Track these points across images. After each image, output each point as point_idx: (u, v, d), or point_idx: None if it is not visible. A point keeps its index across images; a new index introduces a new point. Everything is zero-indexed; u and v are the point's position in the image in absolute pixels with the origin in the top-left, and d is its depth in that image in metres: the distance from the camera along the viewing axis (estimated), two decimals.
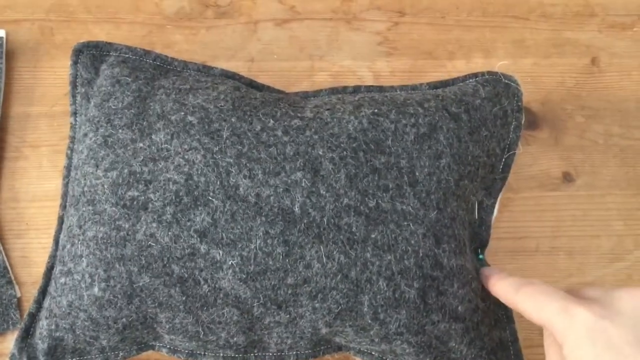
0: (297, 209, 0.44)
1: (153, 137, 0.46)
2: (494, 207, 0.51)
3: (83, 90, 0.52)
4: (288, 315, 0.44)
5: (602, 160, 0.60)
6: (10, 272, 0.53)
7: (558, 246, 0.57)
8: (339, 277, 0.43)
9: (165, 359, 0.52)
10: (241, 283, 0.43)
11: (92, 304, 0.44)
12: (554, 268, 0.56)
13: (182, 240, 0.43)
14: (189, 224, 0.43)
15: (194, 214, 0.43)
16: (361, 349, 0.48)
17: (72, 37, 0.62)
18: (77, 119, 0.52)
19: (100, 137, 0.47)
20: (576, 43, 0.64)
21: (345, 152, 0.45)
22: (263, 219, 0.43)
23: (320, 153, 0.45)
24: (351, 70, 0.62)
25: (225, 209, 0.43)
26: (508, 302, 0.43)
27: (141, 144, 0.45)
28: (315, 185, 0.44)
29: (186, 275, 0.43)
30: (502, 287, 0.44)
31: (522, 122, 0.51)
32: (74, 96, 0.53)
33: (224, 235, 0.43)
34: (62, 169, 0.56)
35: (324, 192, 0.44)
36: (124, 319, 0.44)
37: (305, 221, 0.43)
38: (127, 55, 0.52)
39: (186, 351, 0.47)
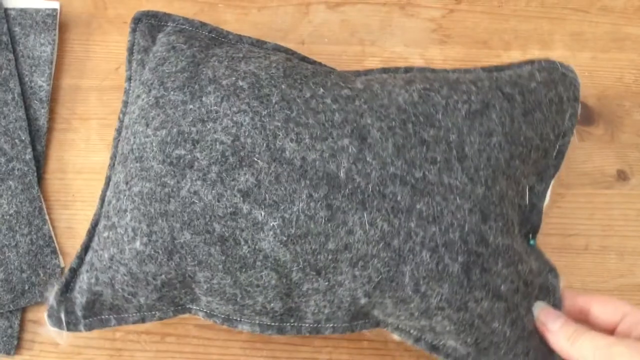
0: (342, 174, 0.43)
1: (203, 99, 0.46)
2: (545, 193, 0.50)
3: (139, 57, 0.53)
4: (327, 282, 0.44)
5: None
6: (55, 241, 0.54)
7: (609, 246, 0.55)
8: (381, 245, 0.42)
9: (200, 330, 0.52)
10: (281, 245, 0.43)
11: (133, 258, 0.44)
12: (603, 268, 0.54)
13: (225, 199, 0.43)
14: (232, 183, 0.43)
15: (239, 173, 0.43)
16: (399, 326, 0.47)
17: (125, 12, 0.62)
18: (132, 84, 0.53)
19: (152, 98, 0.47)
20: (637, 38, 0.62)
21: (393, 123, 0.45)
22: (307, 182, 0.43)
23: (369, 122, 0.45)
24: (402, 56, 0.61)
25: (270, 171, 0.43)
26: (565, 357, 0.44)
27: (191, 106, 0.46)
28: (362, 152, 0.44)
29: (227, 235, 0.43)
30: (558, 342, 0.44)
31: (579, 111, 0.50)
32: (129, 62, 0.54)
33: (267, 196, 0.43)
34: (111, 142, 0.57)
35: (370, 160, 0.43)
36: (163, 276, 0.45)
37: (349, 187, 0.43)
38: (183, 26, 0.53)
39: (222, 316, 0.47)
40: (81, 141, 0.57)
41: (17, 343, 0.51)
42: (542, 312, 0.45)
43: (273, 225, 0.43)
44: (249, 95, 0.45)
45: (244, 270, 0.44)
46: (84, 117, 0.58)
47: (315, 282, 0.44)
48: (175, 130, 0.45)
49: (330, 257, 0.43)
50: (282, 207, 0.43)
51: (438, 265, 0.42)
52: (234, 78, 0.46)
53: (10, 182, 0.54)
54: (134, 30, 0.54)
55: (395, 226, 0.42)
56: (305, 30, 0.62)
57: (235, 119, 0.45)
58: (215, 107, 0.45)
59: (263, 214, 0.43)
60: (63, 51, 0.60)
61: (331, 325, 0.47)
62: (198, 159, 0.44)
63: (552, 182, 0.50)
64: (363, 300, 0.44)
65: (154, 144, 0.45)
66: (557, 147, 0.50)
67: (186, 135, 0.45)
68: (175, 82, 0.47)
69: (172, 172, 0.44)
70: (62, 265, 0.53)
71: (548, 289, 0.46)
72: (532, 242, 0.49)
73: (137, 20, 0.54)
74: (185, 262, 0.44)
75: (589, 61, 0.61)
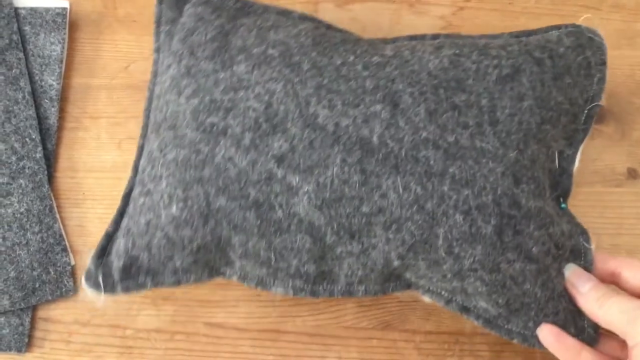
0: (375, 139, 0.44)
1: (234, 68, 0.47)
2: (575, 157, 0.50)
3: (167, 28, 0.54)
4: (360, 245, 0.44)
5: None
6: (66, 239, 0.54)
7: (619, 244, 0.55)
8: (415, 208, 0.43)
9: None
10: (316, 209, 0.44)
11: (170, 223, 0.45)
12: None
13: (259, 165, 0.44)
14: (266, 149, 0.44)
15: (272, 140, 0.44)
16: (430, 288, 0.47)
17: (134, 11, 0.62)
18: (160, 55, 0.53)
19: (184, 68, 0.48)
20: None
21: (425, 88, 0.45)
22: (341, 147, 0.44)
23: (400, 87, 0.45)
24: None
25: (304, 137, 0.44)
26: (593, 319, 0.44)
27: (222, 74, 0.47)
28: (394, 117, 0.44)
29: (262, 199, 0.44)
30: (586, 304, 0.44)
31: (606, 75, 0.50)
32: (157, 34, 0.54)
33: (301, 161, 0.44)
34: (121, 140, 0.57)
35: (402, 125, 0.44)
36: (199, 240, 0.45)
37: (383, 151, 0.44)
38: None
39: (256, 279, 0.48)
40: (91, 140, 0.58)
41: (27, 341, 0.52)
42: (572, 274, 0.45)
43: (307, 190, 0.44)
44: (280, 63, 0.46)
45: (278, 234, 0.45)
46: (94, 115, 0.58)
47: (349, 245, 0.45)
48: (207, 98, 0.46)
49: (364, 220, 0.44)
50: (316, 172, 0.44)
51: (471, 228, 0.43)
52: (264, 47, 0.47)
53: (21, 181, 0.55)
54: (160, 3, 0.55)
55: (429, 189, 0.43)
56: None
57: (267, 86, 0.45)
58: (246, 76, 0.46)
59: (297, 178, 0.44)
60: (73, 50, 0.60)
61: (363, 287, 0.47)
62: (231, 125, 0.45)
63: (582, 147, 0.51)
64: (396, 263, 0.45)
65: (187, 112, 0.46)
66: (586, 111, 0.50)
67: (219, 103, 0.46)
68: (206, 51, 0.48)
69: (206, 139, 0.45)
70: (73, 263, 0.54)
71: (580, 251, 0.46)
72: (563, 205, 0.49)
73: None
74: (221, 226, 0.45)
75: None
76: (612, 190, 0.56)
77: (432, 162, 0.44)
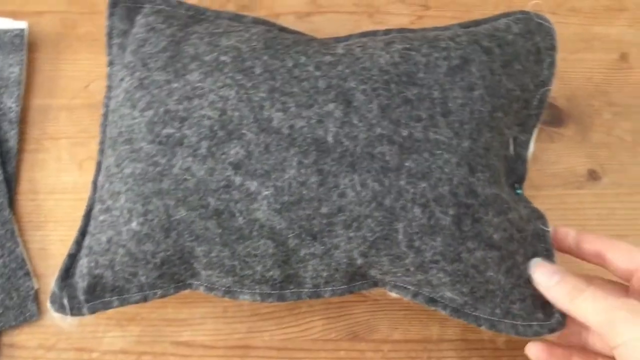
0: (330, 138, 0.44)
1: (187, 77, 0.46)
2: (529, 142, 0.51)
3: (119, 40, 0.54)
4: (323, 246, 0.45)
5: (630, 158, 0.58)
6: (29, 263, 0.54)
7: None
8: (373, 205, 0.43)
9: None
10: (276, 214, 0.44)
11: (131, 238, 0.45)
12: (579, 268, 0.54)
13: (217, 173, 0.44)
14: (223, 157, 0.44)
15: (229, 147, 0.44)
16: (397, 284, 0.47)
17: (94, 30, 0.62)
18: (114, 68, 0.53)
19: (136, 80, 0.48)
20: (605, 38, 0.62)
21: (377, 84, 0.45)
22: (297, 149, 0.44)
23: (353, 85, 0.45)
24: None
25: (259, 141, 0.44)
26: (565, 312, 0.43)
27: (176, 84, 0.46)
28: (348, 115, 0.45)
29: (222, 208, 0.44)
30: (556, 298, 0.43)
31: (556, 60, 0.51)
32: (110, 47, 0.54)
33: (258, 166, 0.44)
34: (82, 161, 0.57)
35: (356, 122, 0.44)
36: (161, 253, 0.45)
37: (338, 150, 0.44)
38: (161, 6, 0.54)
39: (223, 288, 0.48)
40: (52, 161, 0.57)
41: None
42: (537, 269, 0.45)
43: (266, 195, 0.44)
44: (232, 69, 0.46)
45: (241, 241, 0.44)
46: (55, 136, 0.58)
47: (312, 247, 0.45)
48: (162, 109, 0.46)
49: (324, 221, 0.44)
50: (273, 176, 0.44)
51: (430, 220, 0.43)
52: (216, 53, 0.47)
53: None
54: (111, 15, 0.54)
55: (386, 185, 0.43)
56: None
57: (220, 93, 0.45)
58: (200, 84, 0.46)
59: (255, 184, 0.44)
60: (32, 71, 0.60)
61: (330, 288, 0.47)
62: (187, 135, 0.45)
63: (535, 132, 0.51)
64: (360, 261, 0.45)
65: (142, 125, 0.46)
66: (538, 96, 0.51)
67: (173, 113, 0.45)
68: (158, 62, 0.48)
69: (163, 151, 0.45)
70: (36, 286, 0.53)
71: (539, 235, 0.46)
72: (518, 191, 0.50)
73: (114, 4, 0.55)
74: (183, 238, 0.45)
75: (559, 62, 0.60)
76: (573, 193, 0.57)
77: (387, 157, 0.44)
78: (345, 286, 0.47)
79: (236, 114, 0.45)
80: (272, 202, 0.44)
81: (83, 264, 0.47)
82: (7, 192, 0.55)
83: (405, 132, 0.44)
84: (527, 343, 0.46)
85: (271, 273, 0.46)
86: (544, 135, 0.58)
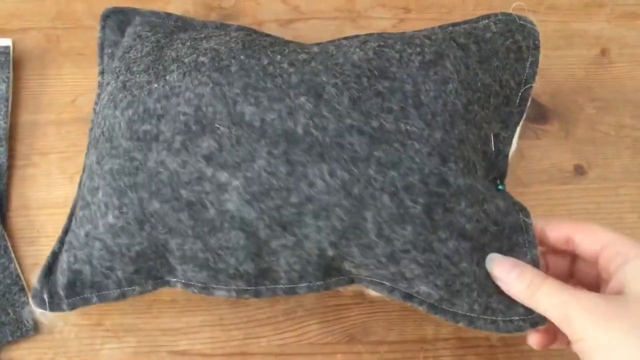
0: (299, 129, 0.44)
1: (167, 77, 0.47)
2: (511, 140, 0.51)
3: (110, 50, 0.56)
4: (294, 237, 0.45)
5: (614, 152, 0.59)
6: (23, 279, 0.54)
7: None
8: (342, 193, 0.43)
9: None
10: (245, 204, 0.44)
11: (107, 231, 0.46)
12: None
13: (189, 165, 0.45)
14: (196, 149, 0.45)
15: (201, 140, 0.45)
16: (373, 279, 0.47)
17: (79, 44, 0.62)
18: (104, 76, 0.55)
19: (120, 83, 0.49)
20: (585, 34, 0.63)
21: (348, 78, 0.46)
22: (267, 140, 0.44)
23: (324, 79, 0.46)
24: None
25: (231, 134, 0.44)
26: (528, 306, 0.43)
27: (155, 85, 0.47)
28: (318, 107, 0.45)
29: (194, 199, 0.44)
30: (517, 294, 0.43)
31: (539, 59, 0.51)
32: (101, 57, 0.56)
33: (228, 158, 0.44)
34: (72, 175, 0.57)
35: (326, 114, 0.44)
36: (136, 247, 0.46)
37: (308, 140, 0.44)
38: (150, 18, 0.55)
39: (199, 284, 0.48)
40: (42, 176, 0.57)
41: None
42: (495, 264, 0.44)
43: (236, 185, 0.44)
44: (209, 68, 0.47)
45: (212, 233, 0.45)
46: (44, 151, 0.58)
47: (283, 238, 0.45)
48: (141, 108, 0.47)
49: (293, 210, 0.44)
50: (243, 167, 0.44)
51: (399, 208, 0.43)
52: (195, 55, 0.48)
53: None
54: (103, 27, 0.56)
55: (355, 174, 0.43)
56: None
57: (197, 91, 0.46)
58: (178, 83, 0.47)
59: (226, 175, 0.44)
60: (18, 87, 0.60)
61: (305, 284, 0.48)
62: (163, 131, 0.45)
63: (518, 129, 0.51)
64: (330, 252, 0.45)
65: (122, 123, 0.47)
66: (520, 94, 0.51)
67: (152, 111, 0.46)
68: (141, 65, 0.49)
69: (140, 147, 0.46)
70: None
71: (520, 227, 0.46)
72: (500, 187, 0.49)
73: (106, 17, 0.57)
74: (157, 230, 0.46)
75: (541, 60, 0.62)
76: (560, 188, 0.58)
77: (357, 147, 0.44)
78: (321, 282, 0.48)
79: (210, 109, 0.45)
80: (242, 192, 0.44)
81: (63, 259, 0.48)
82: None
83: (375, 123, 0.44)
84: (521, 339, 0.46)
85: (244, 267, 0.46)
86: (529, 132, 0.59)
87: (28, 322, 0.52)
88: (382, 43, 0.48)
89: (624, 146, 0.59)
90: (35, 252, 0.55)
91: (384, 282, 0.47)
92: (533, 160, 0.58)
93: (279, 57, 0.48)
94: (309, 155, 0.44)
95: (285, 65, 0.47)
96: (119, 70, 0.50)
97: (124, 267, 0.47)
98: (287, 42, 0.51)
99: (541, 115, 0.60)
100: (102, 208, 0.46)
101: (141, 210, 0.45)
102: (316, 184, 0.44)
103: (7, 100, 0.58)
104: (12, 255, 0.54)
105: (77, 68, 0.61)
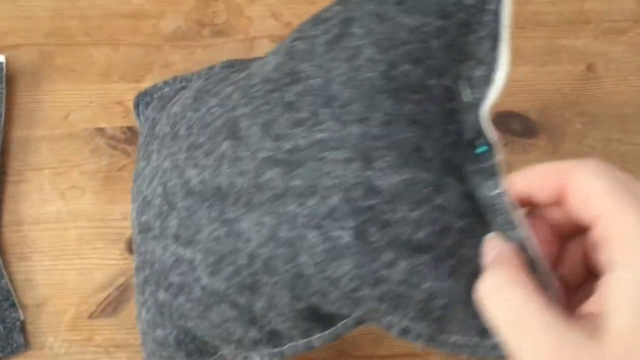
0: (225, 182, 0.39)
1: (151, 158, 0.46)
2: (491, 74, 0.35)
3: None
4: (264, 297, 0.39)
5: None
6: (14, 295, 0.54)
7: None
8: (273, 243, 0.36)
9: None
10: (211, 277, 0.40)
11: (148, 327, 0.46)
12: None
13: (168, 250, 0.42)
14: (168, 231, 0.42)
15: (170, 220, 0.42)
16: (371, 319, 0.39)
17: (72, 60, 0.63)
18: None
19: (134, 175, 0.49)
20: (572, 50, 0.64)
21: (259, 101, 0.39)
22: (207, 203, 0.40)
23: (239, 112, 0.40)
24: None
25: (186, 206, 0.41)
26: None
27: (146, 170, 0.46)
28: (236, 150, 0.39)
29: (181, 282, 0.42)
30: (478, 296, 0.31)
31: None
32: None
33: (187, 233, 0.41)
34: (64, 190, 0.57)
35: (242, 154, 0.38)
36: (170, 336, 0.45)
37: (233, 192, 0.38)
38: (162, 90, 0.55)
39: (238, 355, 0.44)
40: (34, 192, 0.58)
41: None
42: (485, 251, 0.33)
43: (200, 260, 0.40)
44: (169, 139, 0.45)
45: (208, 310, 0.42)
46: (37, 167, 0.58)
47: (258, 301, 0.39)
48: (141, 198, 0.46)
49: (247, 272, 0.38)
50: (196, 239, 0.40)
51: (328, 243, 0.35)
52: (167, 127, 0.47)
53: None
54: (137, 115, 0.56)
55: (279, 216, 0.36)
56: None
57: (163, 166, 0.44)
58: (155, 163, 0.45)
59: (189, 252, 0.41)
60: (11, 103, 0.61)
61: (316, 336, 0.41)
62: (150, 220, 0.44)
63: (503, 55, 0.35)
64: (301, 304, 0.38)
65: (133, 218, 0.47)
66: (487, 7, 0.36)
67: (147, 200, 0.45)
68: (140, 152, 0.49)
69: (141, 239, 0.45)
70: (22, 318, 0.53)
71: (492, 207, 0.33)
72: (480, 149, 0.35)
73: (136, 105, 0.56)
74: (173, 318, 0.44)
75: (528, 75, 0.63)
76: None
77: (274, 182, 0.36)
78: (327, 332, 0.41)
79: (170, 184, 0.42)
80: (205, 266, 0.40)
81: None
82: None
83: (287, 145, 0.36)
84: None
85: (252, 334, 0.42)
86: (517, 146, 0.60)
87: (19, 338, 0.52)
88: (295, 35, 0.40)
89: (612, 160, 0.60)
90: (27, 268, 0.55)
91: (380, 320, 0.39)
92: None
93: (212, 100, 0.43)
94: (237, 209, 0.38)
95: (216, 109, 0.42)
96: (137, 161, 0.50)
97: (176, 354, 0.45)
98: (229, 75, 0.45)
99: (529, 130, 0.61)
100: (137, 305, 0.47)
101: (155, 301, 0.44)
102: (252, 239, 0.37)
103: (0, 116, 0.59)
104: (4, 271, 0.54)
105: (70, 84, 0.62)
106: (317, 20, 0.39)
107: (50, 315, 0.53)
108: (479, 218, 0.34)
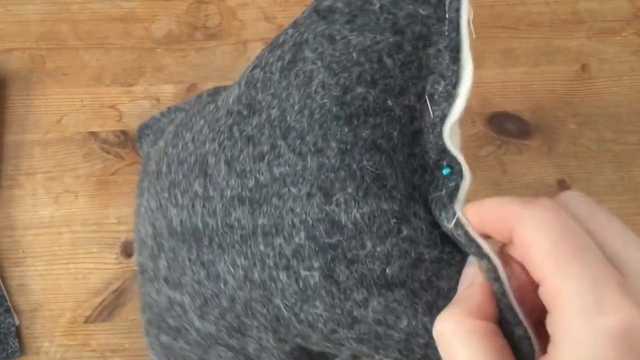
0: (200, 223, 0.37)
1: (144, 196, 0.45)
2: (453, 88, 0.32)
3: None
4: (253, 339, 0.38)
5: (597, 166, 0.60)
6: (8, 300, 0.53)
7: None
8: (248, 285, 0.35)
9: None
10: (202, 319, 0.39)
11: None
12: None
13: (162, 293, 0.41)
14: (158, 273, 0.41)
15: (159, 261, 0.40)
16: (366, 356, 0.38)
17: (64, 64, 0.62)
18: None
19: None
20: (565, 50, 0.64)
21: (222, 136, 0.37)
22: (186, 246, 0.38)
23: (206, 149, 0.38)
24: None
25: (171, 247, 0.39)
26: None
27: (141, 209, 0.45)
28: (206, 189, 0.37)
29: (177, 325, 0.41)
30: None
31: None
32: None
33: (174, 275, 0.39)
34: (58, 195, 0.57)
35: (212, 194, 0.36)
36: None
37: (207, 233, 0.37)
38: (159, 122, 0.54)
39: None
40: (28, 196, 0.57)
41: None
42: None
43: (188, 303, 0.39)
44: (155, 176, 0.43)
45: (206, 352, 0.41)
46: (29, 172, 0.58)
47: (249, 344, 0.39)
48: (139, 237, 0.45)
49: (232, 314, 0.37)
50: (183, 282, 0.39)
51: (298, 284, 0.33)
52: (152, 161, 0.46)
53: None
54: (140, 147, 0.55)
55: (250, 257, 0.34)
56: (244, 67, 0.62)
57: (151, 205, 0.42)
58: (146, 202, 0.44)
59: (178, 295, 0.39)
60: (3, 108, 0.60)
61: None
62: (146, 261, 0.43)
63: (468, 69, 0.32)
64: (287, 347, 0.38)
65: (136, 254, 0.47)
66: (447, 15, 0.33)
67: (142, 239, 0.44)
68: (137, 189, 0.48)
69: (141, 280, 0.45)
70: (17, 323, 0.53)
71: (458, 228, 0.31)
72: (445, 170, 0.32)
73: (139, 138, 0.55)
74: (177, 359, 0.43)
75: (522, 76, 0.63)
76: None
77: (242, 222, 0.35)
78: None
79: (157, 224, 0.41)
80: (193, 309, 0.38)
81: None
82: None
83: (251, 182, 0.34)
84: None
85: None
86: (512, 147, 0.60)
87: (14, 343, 0.52)
88: (255, 62, 0.37)
89: (606, 160, 0.60)
90: (21, 273, 0.55)
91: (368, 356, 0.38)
92: (516, 176, 0.59)
93: (188, 135, 0.41)
94: (213, 251, 0.36)
95: (190, 145, 0.40)
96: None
97: None
98: (206, 105, 0.43)
99: (524, 130, 0.61)
100: (146, 344, 0.46)
101: (160, 344, 0.43)
102: (228, 281, 0.36)
103: None
104: None
105: (62, 88, 0.61)
106: (273, 45, 0.37)
107: (46, 320, 0.53)
108: (453, 246, 0.32)
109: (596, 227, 0.27)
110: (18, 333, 0.53)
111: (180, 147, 0.41)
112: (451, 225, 0.30)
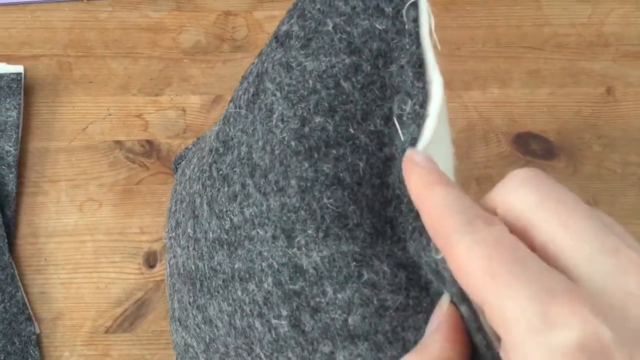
0: (192, 266, 0.36)
1: (169, 234, 0.45)
2: (421, 107, 0.28)
3: None
4: None
5: (621, 189, 0.60)
6: (30, 308, 0.53)
7: None
8: (232, 330, 0.33)
9: None
10: None
11: None
12: None
13: (178, 333, 0.41)
14: (174, 314, 0.41)
15: (174, 301, 0.41)
16: None
17: (91, 72, 0.62)
18: None
19: None
20: (591, 73, 0.64)
21: (204, 176, 0.36)
22: (186, 288, 0.38)
23: (194, 189, 0.38)
24: None
25: (178, 289, 0.40)
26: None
27: (167, 246, 0.45)
28: (195, 231, 0.36)
29: None
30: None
31: None
32: None
33: (183, 316, 0.39)
34: (81, 203, 0.57)
35: (199, 236, 0.36)
36: None
37: (199, 277, 0.36)
38: (190, 153, 0.52)
39: None
40: (51, 204, 0.57)
41: None
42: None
43: (194, 345, 0.39)
44: (170, 213, 0.44)
45: None
46: (53, 179, 0.58)
47: None
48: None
49: (229, 358, 0.36)
50: (188, 325, 0.39)
51: (271, 332, 0.31)
52: (171, 197, 0.45)
53: None
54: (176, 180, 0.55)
55: (231, 302, 0.33)
56: None
57: (168, 245, 0.43)
58: (168, 241, 0.44)
59: (188, 337, 0.39)
60: (29, 114, 0.60)
61: None
62: (168, 300, 0.44)
63: (433, 85, 0.28)
64: None
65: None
66: (406, 27, 0.29)
67: (167, 277, 0.44)
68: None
69: (169, 319, 0.44)
70: (38, 331, 0.53)
71: (434, 270, 0.26)
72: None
73: (174, 169, 0.54)
74: None
75: (547, 97, 0.63)
76: None
77: (223, 266, 0.33)
78: None
79: (171, 262, 0.42)
80: (200, 352, 0.38)
81: None
82: (7, 236, 0.55)
83: (227, 224, 0.33)
84: None
85: None
86: (537, 167, 0.60)
87: (35, 352, 0.52)
88: (232, 96, 0.36)
89: (630, 183, 0.60)
90: (42, 281, 0.55)
91: None
92: None
93: (187, 172, 0.42)
94: (203, 295, 0.35)
95: (186, 184, 0.40)
96: None
97: None
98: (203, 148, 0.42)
99: (548, 151, 0.61)
100: None
101: None
102: (219, 327, 0.35)
103: (17, 127, 0.58)
104: (19, 283, 0.54)
105: (88, 96, 0.61)
106: (242, 77, 0.35)
107: (66, 329, 0.53)
108: (421, 289, 0.28)
109: (542, 220, 0.23)
110: (38, 342, 0.53)
111: (182, 184, 0.41)
112: (439, 256, 0.25)
